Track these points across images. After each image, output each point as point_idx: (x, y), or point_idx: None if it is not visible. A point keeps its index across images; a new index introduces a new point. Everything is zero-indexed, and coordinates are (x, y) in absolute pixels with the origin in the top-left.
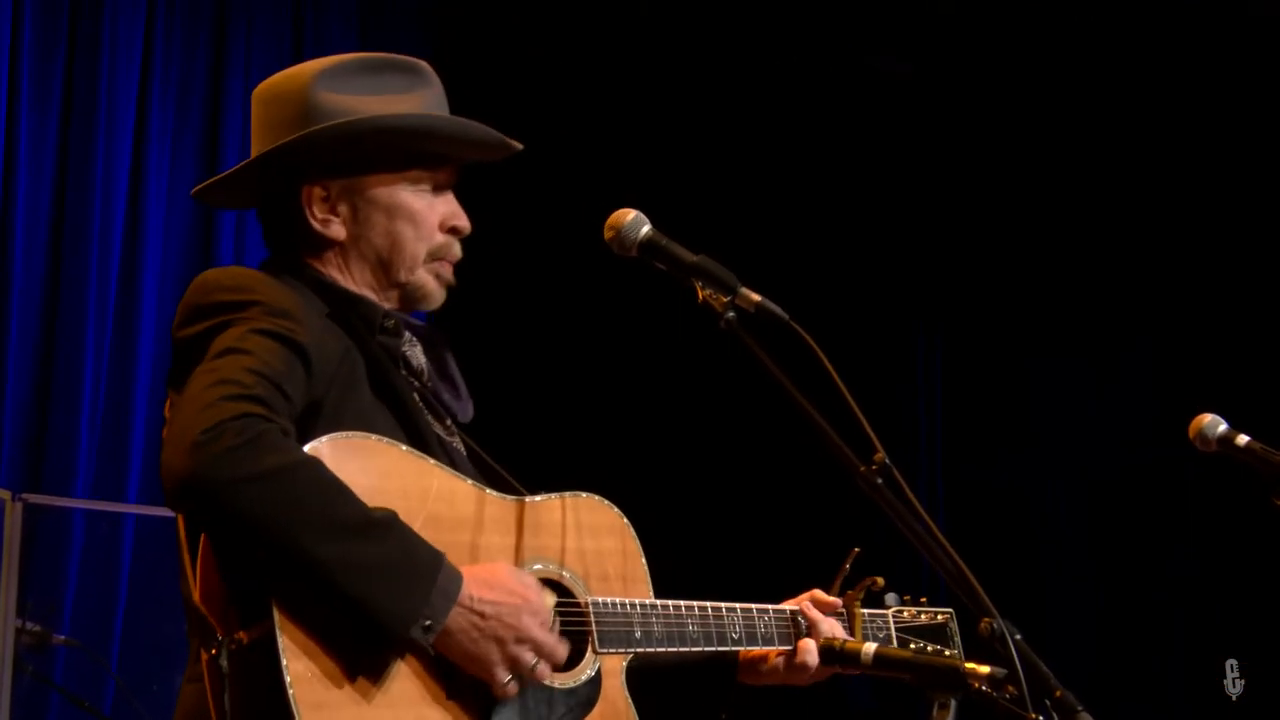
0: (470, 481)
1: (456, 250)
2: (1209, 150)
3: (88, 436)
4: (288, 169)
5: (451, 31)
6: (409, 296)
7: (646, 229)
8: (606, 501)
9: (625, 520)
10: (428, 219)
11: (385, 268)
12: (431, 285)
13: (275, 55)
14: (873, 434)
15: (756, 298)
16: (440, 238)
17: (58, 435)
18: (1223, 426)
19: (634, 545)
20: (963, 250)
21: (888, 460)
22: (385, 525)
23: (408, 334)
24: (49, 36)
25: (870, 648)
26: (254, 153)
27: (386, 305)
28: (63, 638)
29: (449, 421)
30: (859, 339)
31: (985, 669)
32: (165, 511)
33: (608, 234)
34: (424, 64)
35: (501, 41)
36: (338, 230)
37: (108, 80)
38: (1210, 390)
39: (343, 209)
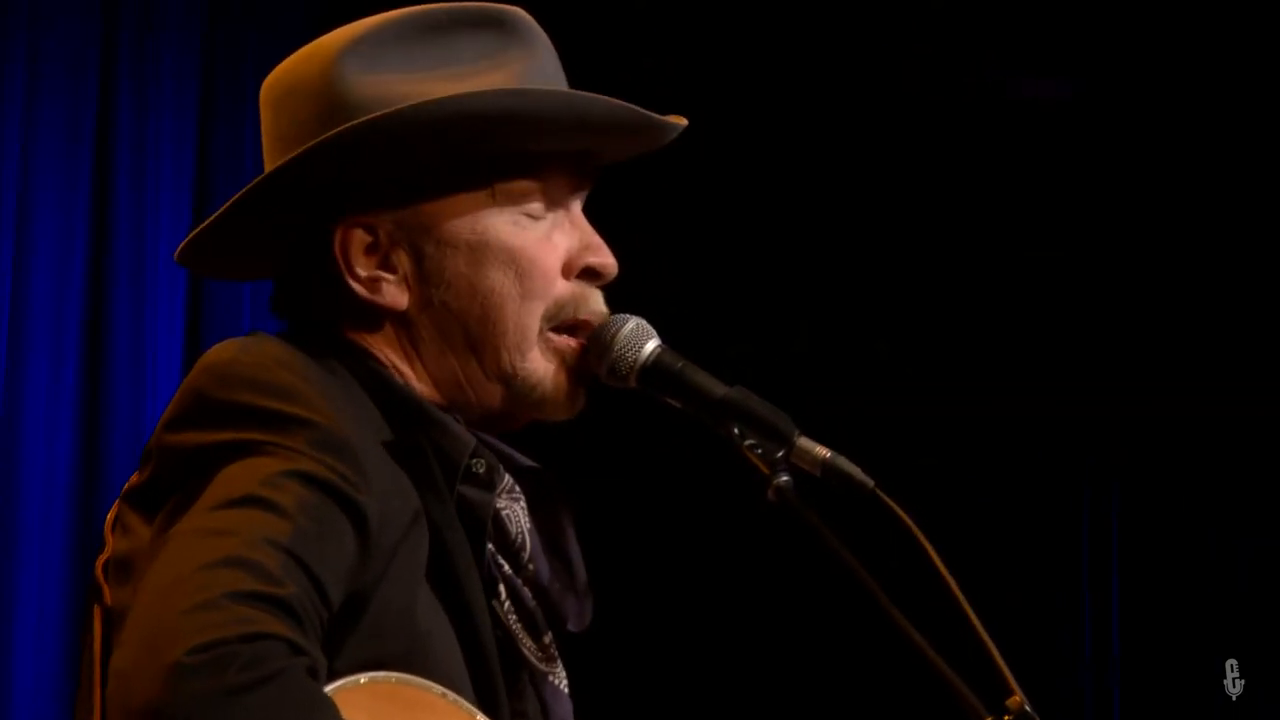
0: None
1: (594, 305)
2: None
3: None
4: (306, 202)
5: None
6: (519, 397)
7: (653, 345)
8: None
9: None
10: (541, 260)
11: (477, 351)
12: (555, 379)
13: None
14: (1004, 667)
15: (824, 453)
16: (564, 288)
17: None
18: None
19: None
20: (1147, 361)
21: (1028, 706)
22: None
23: (508, 479)
24: None
25: None
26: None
27: (480, 415)
28: None
29: (548, 639)
30: (988, 494)
31: None
32: None
33: (596, 359)
34: (517, 12)
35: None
36: (394, 295)
37: None
38: None
39: (401, 258)
